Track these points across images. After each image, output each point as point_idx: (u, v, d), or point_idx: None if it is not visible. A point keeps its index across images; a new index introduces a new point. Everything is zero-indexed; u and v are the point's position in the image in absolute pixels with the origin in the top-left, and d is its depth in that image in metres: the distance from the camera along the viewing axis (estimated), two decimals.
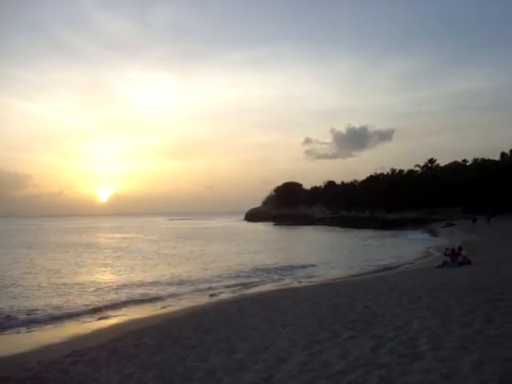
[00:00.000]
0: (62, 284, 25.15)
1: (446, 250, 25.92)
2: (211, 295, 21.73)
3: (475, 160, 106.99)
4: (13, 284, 25.28)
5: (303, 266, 32.11)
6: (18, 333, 15.07)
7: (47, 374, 9.63)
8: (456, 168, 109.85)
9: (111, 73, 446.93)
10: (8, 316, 17.21)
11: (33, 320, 16.63)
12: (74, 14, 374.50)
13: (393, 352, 8.34)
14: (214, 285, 24.55)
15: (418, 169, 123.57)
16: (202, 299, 20.55)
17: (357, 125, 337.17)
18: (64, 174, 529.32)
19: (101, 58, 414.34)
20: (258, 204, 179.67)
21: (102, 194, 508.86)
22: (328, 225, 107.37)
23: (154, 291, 22.85)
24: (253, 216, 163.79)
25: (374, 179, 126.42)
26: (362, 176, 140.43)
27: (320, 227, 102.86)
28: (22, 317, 17.13)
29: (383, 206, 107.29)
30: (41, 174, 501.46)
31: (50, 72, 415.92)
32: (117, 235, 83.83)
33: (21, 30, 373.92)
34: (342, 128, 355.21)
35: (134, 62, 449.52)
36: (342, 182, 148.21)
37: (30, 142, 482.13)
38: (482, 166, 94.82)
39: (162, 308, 18.88)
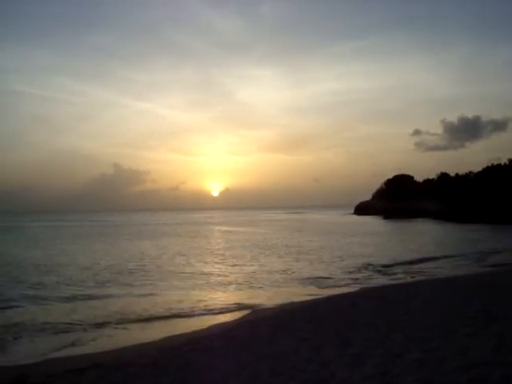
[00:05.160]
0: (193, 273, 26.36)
1: None
2: (323, 288, 21.74)
3: None
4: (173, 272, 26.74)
5: (417, 261, 31.25)
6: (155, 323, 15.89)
7: (166, 360, 10.11)
8: None
9: (220, 70, 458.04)
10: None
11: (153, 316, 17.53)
12: (182, 13, 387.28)
13: None
14: (326, 278, 24.52)
15: None
16: (315, 292, 20.62)
17: (470, 114, 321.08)
18: (179, 170, 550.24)
19: (210, 55, 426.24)
20: (367, 197, 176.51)
21: (215, 189, 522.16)
22: (441, 219, 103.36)
23: (268, 283, 23.28)
24: (362, 209, 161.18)
25: (490, 171, 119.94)
26: (476, 168, 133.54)
27: (433, 221, 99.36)
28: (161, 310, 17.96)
29: (501, 198, 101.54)
30: (158, 170, 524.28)
31: (162, 71, 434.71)
32: (242, 229, 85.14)
33: (132, 32, 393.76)
34: (453, 118, 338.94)
35: (242, 59, 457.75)
36: (457, 174, 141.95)
37: (146, 139, 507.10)
38: None
39: (273, 299, 19.13)
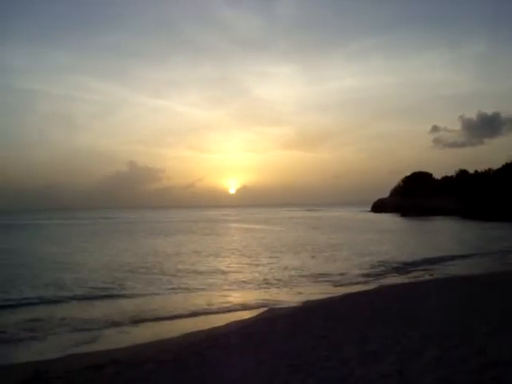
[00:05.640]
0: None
1: None
2: (340, 286, 21.67)
3: None
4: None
5: (435, 259, 30.96)
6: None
7: (184, 357, 10.12)
8: None
9: (238, 67, 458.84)
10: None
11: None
12: (200, 11, 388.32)
13: None
14: (342, 276, 24.45)
15: None
16: (331, 290, 20.55)
17: (489, 111, 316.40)
18: (195, 167, 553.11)
19: (227, 53, 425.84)
20: (385, 194, 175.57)
21: (231, 186, 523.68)
22: (460, 216, 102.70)
23: (284, 281, 23.25)
24: (379, 207, 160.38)
25: (510, 167, 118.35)
26: (495, 165, 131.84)
27: (451, 218, 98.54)
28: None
29: None
30: (173, 168, 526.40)
31: (179, 69, 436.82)
32: (258, 226, 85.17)
33: (149, 29, 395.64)
34: (472, 115, 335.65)
35: (259, 56, 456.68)
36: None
37: (162, 136, 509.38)
38: None
39: (290, 296, 19.13)
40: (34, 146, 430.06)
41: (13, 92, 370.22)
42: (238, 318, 15.26)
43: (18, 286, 21.81)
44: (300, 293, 19.98)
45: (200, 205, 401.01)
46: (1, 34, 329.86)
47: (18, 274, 25.88)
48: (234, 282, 23.12)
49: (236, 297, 19.58)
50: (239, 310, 17.04)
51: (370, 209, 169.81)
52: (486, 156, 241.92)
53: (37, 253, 37.86)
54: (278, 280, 23.54)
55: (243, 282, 23.26)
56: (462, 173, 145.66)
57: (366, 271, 26.05)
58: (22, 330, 14.28)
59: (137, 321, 15.45)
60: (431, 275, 24.19)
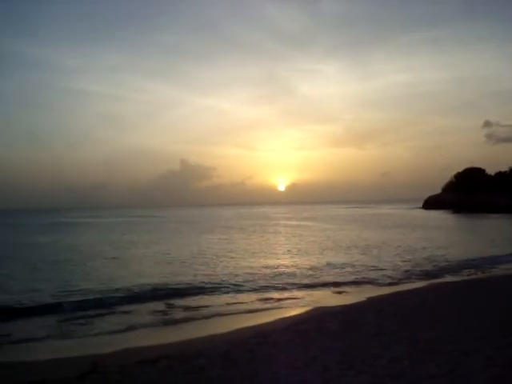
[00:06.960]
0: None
1: None
2: (390, 284, 21.48)
3: None
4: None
5: (489, 257, 30.18)
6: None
7: (234, 353, 10.26)
8: None
9: (284, 65, 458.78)
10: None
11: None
12: (246, 10, 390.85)
13: None
14: (392, 273, 24.19)
15: None
16: (381, 287, 20.40)
17: None
18: (244, 165, 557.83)
19: (273, 51, 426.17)
20: (436, 191, 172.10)
21: (280, 183, 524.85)
22: None
23: (330, 278, 23.21)
24: (431, 203, 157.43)
25: None
26: None
27: (506, 215, 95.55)
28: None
29: None
30: (224, 166, 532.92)
31: (226, 68, 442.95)
32: (308, 223, 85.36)
33: (196, 29, 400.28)
34: None
35: (306, 54, 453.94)
36: None
37: (211, 135, 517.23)
38: None
39: (339, 294, 19.11)
40: (86, 146, 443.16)
41: (65, 92, 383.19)
42: (286, 315, 15.35)
43: (73, 282, 22.43)
44: (349, 290, 19.91)
45: (250, 202, 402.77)
46: (52, 35, 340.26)
47: (73, 270, 26.61)
48: (282, 280, 23.10)
49: (283, 295, 19.58)
50: (287, 307, 17.07)
51: (420, 206, 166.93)
52: None
53: (91, 249, 38.83)
54: (327, 276, 23.51)
55: (291, 279, 23.23)
56: None
57: (417, 269, 25.64)
58: (79, 325, 14.81)
59: (187, 318, 15.74)
60: (483, 273, 23.69)
